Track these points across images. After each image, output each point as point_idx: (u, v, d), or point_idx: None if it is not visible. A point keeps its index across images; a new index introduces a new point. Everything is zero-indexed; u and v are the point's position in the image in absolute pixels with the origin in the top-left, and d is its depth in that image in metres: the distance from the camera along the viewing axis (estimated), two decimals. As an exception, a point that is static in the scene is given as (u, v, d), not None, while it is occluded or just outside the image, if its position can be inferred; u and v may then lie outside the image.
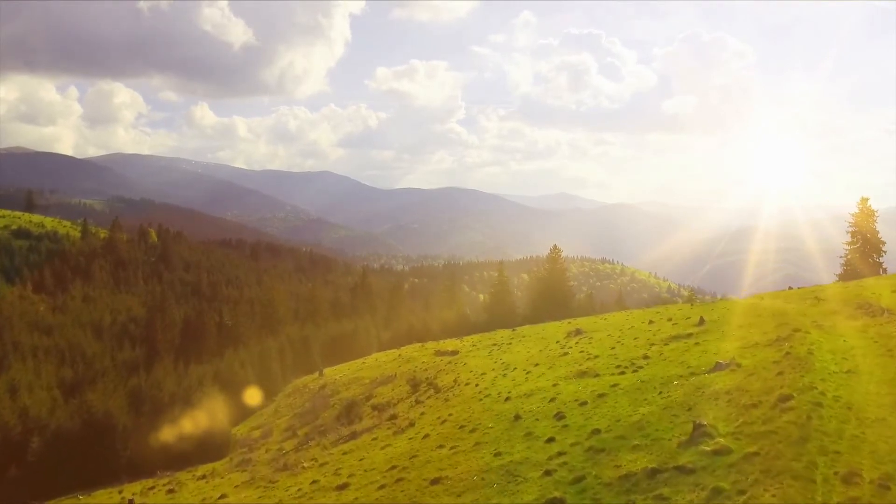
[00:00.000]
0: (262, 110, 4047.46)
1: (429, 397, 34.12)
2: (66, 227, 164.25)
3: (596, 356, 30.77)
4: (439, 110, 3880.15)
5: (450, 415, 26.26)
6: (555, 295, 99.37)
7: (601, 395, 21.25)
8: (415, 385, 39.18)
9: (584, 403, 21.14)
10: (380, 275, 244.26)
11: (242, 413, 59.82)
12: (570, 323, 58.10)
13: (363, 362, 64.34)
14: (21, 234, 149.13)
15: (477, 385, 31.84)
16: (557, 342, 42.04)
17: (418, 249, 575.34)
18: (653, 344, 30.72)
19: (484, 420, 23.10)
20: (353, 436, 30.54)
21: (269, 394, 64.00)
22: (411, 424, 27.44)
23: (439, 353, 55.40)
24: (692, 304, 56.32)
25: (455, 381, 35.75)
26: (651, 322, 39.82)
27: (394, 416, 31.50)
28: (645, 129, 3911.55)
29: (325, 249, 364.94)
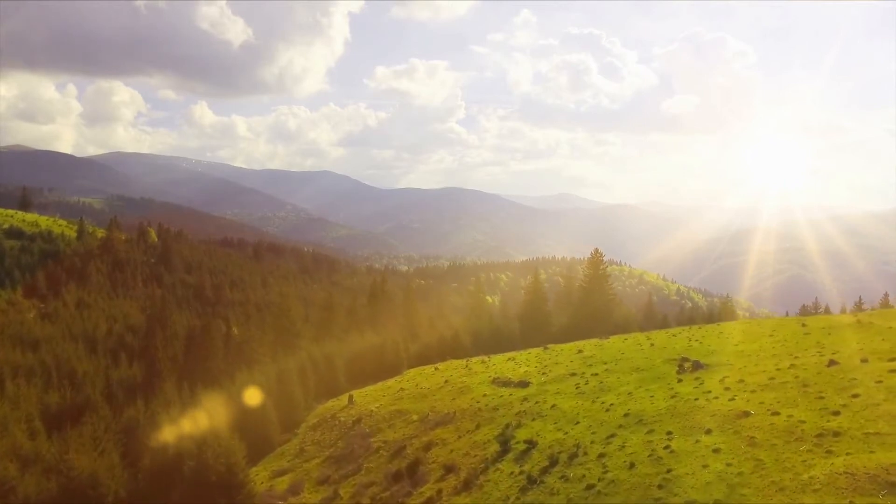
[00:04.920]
0: (262, 109, 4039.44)
1: (543, 470, 24.44)
2: (61, 227, 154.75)
3: (834, 433, 20.60)
4: (439, 110, 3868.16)
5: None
6: (596, 304, 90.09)
7: None
8: (504, 441, 29.53)
9: None
10: (383, 275, 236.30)
11: (260, 449, 50.21)
12: (651, 344, 48.60)
13: (400, 387, 54.64)
14: (13, 233, 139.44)
15: (631, 465, 22.00)
16: (679, 380, 32.40)
17: (419, 249, 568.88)
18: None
19: None
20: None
21: (291, 425, 54.35)
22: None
23: (499, 382, 45.79)
24: (803, 324, 46.57)
25: (576, 446, 25.89)
26: (833, 364, 29.08)
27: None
28: (645, 129, 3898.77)
29: (327, 249, 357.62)
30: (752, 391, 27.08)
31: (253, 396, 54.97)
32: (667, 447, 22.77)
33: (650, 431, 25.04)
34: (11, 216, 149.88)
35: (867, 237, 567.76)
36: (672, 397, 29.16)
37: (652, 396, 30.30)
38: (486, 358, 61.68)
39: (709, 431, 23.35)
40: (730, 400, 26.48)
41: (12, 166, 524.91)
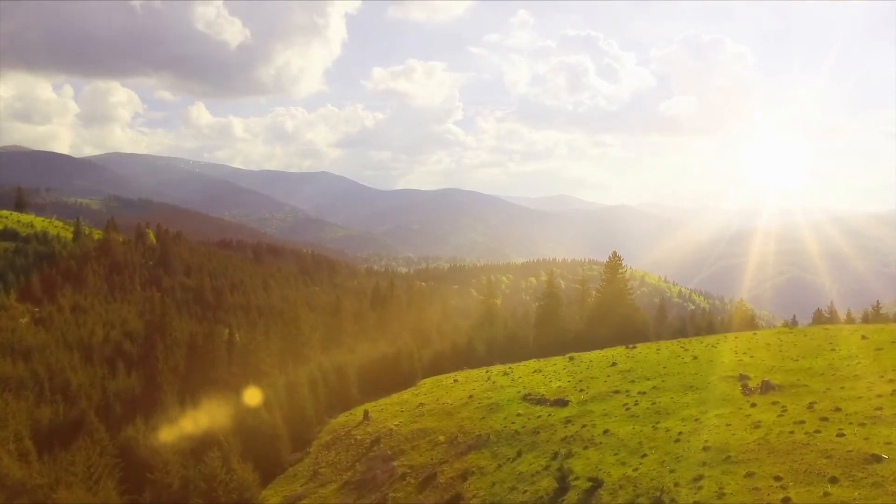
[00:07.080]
0: (259, 110, 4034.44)
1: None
2: (57, 228, 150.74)
3: None
4: (437, 111, 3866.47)
5: None
6: (615, 310, 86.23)
7: None
8: (561, 477, 25.70)
9: None
10: (385, 277, 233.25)
11: (269, 470, 46.34)
12: (694, 357, 44.75)
13: (419, 401, 50.76)
14: (7, 235, 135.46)
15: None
16: (753, 405, 28.58)
17: (418, 250, 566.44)
18: None
19: None
20: None
21: (302, 442, 50.48)
22: None
23: (532, 399, 41.99)
24: (863, 336, 42.82)
25: (658, 490, 21.85)
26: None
27: None
28: (644, 131, 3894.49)
29: (325, 250, 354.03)
30: (862, 424, 23.23)
31: (260, 411, 51.17)
32: (785, 500, 18.89)
33: (750, 475, 21.16)
34: (6, 217, 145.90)
35: (867, 239, 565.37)
36: (755, 427, 25.29)
37: (728, 425, 26.42)
38: (507, 369, 57.88)
39: (834, 480, 19.44)
40: (838, 435, 22.58)
41: (9, 167, 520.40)
